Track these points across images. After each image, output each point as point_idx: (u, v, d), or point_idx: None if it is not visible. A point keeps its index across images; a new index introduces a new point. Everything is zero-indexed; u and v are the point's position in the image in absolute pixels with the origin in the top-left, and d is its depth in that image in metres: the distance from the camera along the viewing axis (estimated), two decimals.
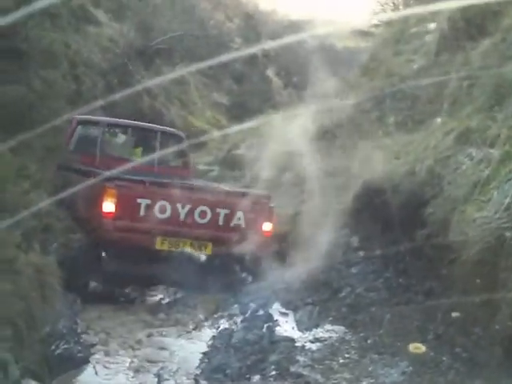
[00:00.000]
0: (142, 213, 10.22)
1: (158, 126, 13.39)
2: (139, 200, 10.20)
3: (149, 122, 14.24)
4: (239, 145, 15.91)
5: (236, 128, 17.04)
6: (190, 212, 10.52)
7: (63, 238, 8.65)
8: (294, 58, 26.86)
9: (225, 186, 11.85)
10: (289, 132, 14.95)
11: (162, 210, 10.35)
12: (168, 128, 13.58)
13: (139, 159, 12.42)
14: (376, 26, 20.13)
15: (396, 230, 9.39)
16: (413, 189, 9.32)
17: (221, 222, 10.77)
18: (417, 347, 7.96)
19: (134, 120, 13.82)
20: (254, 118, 16.15)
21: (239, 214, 10.84)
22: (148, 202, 10.23)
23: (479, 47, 10.84)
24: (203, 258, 10.72)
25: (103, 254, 10.23)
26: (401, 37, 14.06)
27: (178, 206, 10.44)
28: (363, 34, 22.01)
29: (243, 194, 11.24)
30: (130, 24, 22.67)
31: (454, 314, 8.02)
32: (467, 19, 11.37)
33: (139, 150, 12.80)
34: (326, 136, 13.52)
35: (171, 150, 12.79)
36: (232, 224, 10.83)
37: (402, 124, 11.72)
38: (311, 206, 11.97)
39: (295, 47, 25.83)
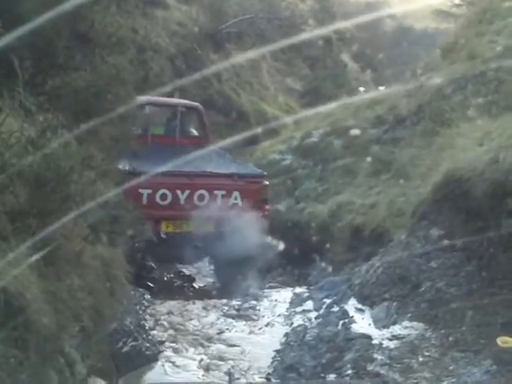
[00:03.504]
0: (144, 201, 10.97)
1: (178, 100, 14.12)
2: (141, 190, 11.00)
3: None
4: (312, 133, 15.72)
5: (308, 113, 16.82)
6: (189, 196, 11.48)
7: (131, 229, 8.44)
8: (370, 41, 26.40)
9: (221, 169, 12.29)
10: (365, 119, 14.67)
11: (163, 198, 11.34)
12: (187, 101, 14.29)
13: (161, 133, 13.55)
14: (458, 5, 19.68)
15: (479, 221, 9.08)
16: (497, 177, 8.92)
17: (219, 203, 11.56)
18: (505, 341, 7.63)
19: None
20: (327, 105, 16.00)
21: (235, 194, 11.73)
22: (149, 191, 11.12)
23: None
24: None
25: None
26: (483, 17, 13.69)
27: (178, 192, 11.46)
28: (444, 14, 21.54)
29: (238, 175, 12.03)
30: (199, 7, 22.52)
31: None
32: None
33: (161, 124, 13.84)
34: (405, 123, 13.29)
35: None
36: (229, 204, 11.62)
37: (485, 109, 11.35)
38: (389, 197, 11.76)
39: (372, 29, 25.40)
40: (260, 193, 12.01)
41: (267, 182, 12.31)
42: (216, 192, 11.65)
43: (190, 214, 11.36)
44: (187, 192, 11.49)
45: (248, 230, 11.14)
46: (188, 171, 11.59)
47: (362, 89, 18.29)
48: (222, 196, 11.68)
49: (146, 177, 9.85)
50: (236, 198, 11.72)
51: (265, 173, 12.59)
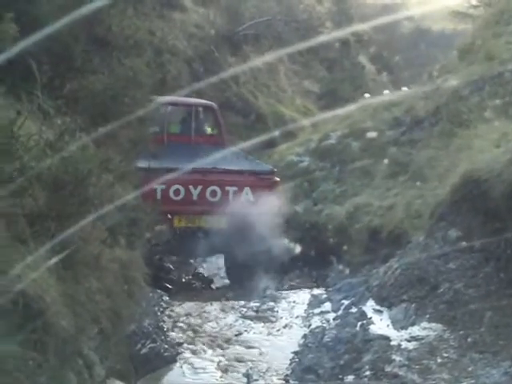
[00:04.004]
0: (158, 197, 11.12)
1: (193, 99, 14.35)
2: (155, 186, 11.03)
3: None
4: (330, 135, 15.68)
5: (326, 115, 16.79)
6: (202, 192, 11.81)
7: (150, 231, 8.43)
8: (387, 43, 26.32)
9: (233, 165, 12.44)
10: (382, 121, 14.59)
11: (176, 193, 11.63)
12: (202, 100, 14.54)
13: (177, 132, 13.74)
14: (475, 7, 19.59)
15: (497, 222, 8.99)
16: None
17: (231, 198, 11.93)
18: None
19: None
20: (345, 107, 15.95)
21: (246, 189, 12.04)
22: (163, 187, 11.29)
23: None
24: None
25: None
26: (500, 18, 13.60)
27: (191, 187, 11.72)
28: (461, 15, 21.46)
29: (249, 172, 12.43)
30: (217, 9, 22.52)
31: None
32: None
33: (176, 123, 14.03)
34: (423, 124, 13.20)
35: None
36: (242, 199, 11.91)
37: (502, 110, 11.25)
38: (406, 198, 11.68)
39: (389, 31, 25.30)
40: (271, 189, 12.22)
41: (278, 178, 12.57)
42: (227, 188, 12.00)
43: (202, 209, 11.76)
44: (199, 188, 11.79)
45: (260, 225, 11.29)
46: (200, 168, 11.75)
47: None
48: (234, 192, 12.02)
49: (164, 175, 9.93)
50: (247, 194, 12.01)
51: (275, 169, 12.86)
